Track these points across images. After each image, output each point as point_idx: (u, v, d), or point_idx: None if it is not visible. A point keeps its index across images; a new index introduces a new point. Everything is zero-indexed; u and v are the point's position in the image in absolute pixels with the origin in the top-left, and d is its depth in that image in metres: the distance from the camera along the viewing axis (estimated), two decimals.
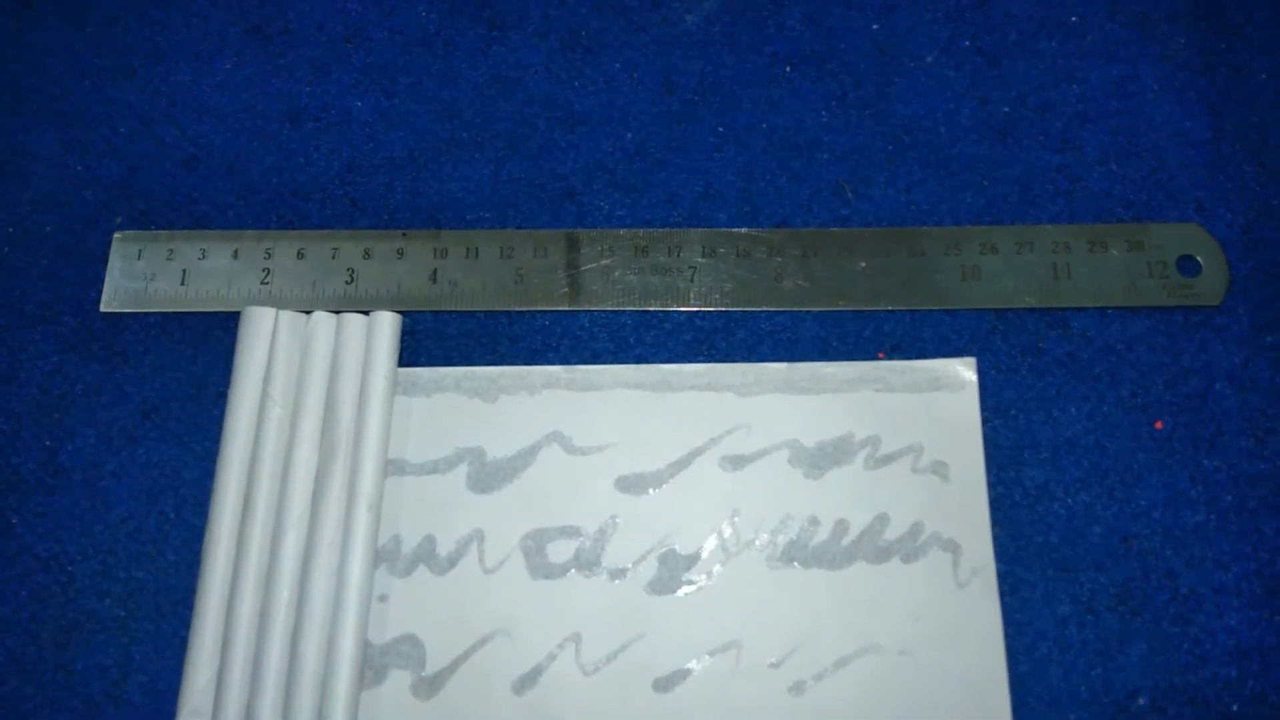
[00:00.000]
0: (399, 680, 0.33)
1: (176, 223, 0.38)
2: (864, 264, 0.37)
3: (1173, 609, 0.33)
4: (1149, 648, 0.33)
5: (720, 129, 0.39)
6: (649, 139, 0.39)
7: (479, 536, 0.34)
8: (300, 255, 0.37)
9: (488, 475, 0.35)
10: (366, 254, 0.37)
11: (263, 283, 0.37)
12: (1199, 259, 0.36)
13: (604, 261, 0.37)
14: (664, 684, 0.33)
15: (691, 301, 0.36)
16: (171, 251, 0.37)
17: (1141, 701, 0.32)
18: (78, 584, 0.34)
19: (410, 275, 0.37)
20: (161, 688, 0.33)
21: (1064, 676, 0.32)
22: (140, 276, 0.37)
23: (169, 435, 0.36)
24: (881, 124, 0.39)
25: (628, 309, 0.37)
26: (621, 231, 0.37)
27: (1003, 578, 0.33)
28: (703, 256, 0.37)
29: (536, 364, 0.36)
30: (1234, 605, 0.33)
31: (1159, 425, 0.35)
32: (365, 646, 0.32)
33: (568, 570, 0.34)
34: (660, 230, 0.37)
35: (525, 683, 0.33)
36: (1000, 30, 0.40)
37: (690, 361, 0.36)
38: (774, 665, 0.33)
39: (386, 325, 0.35)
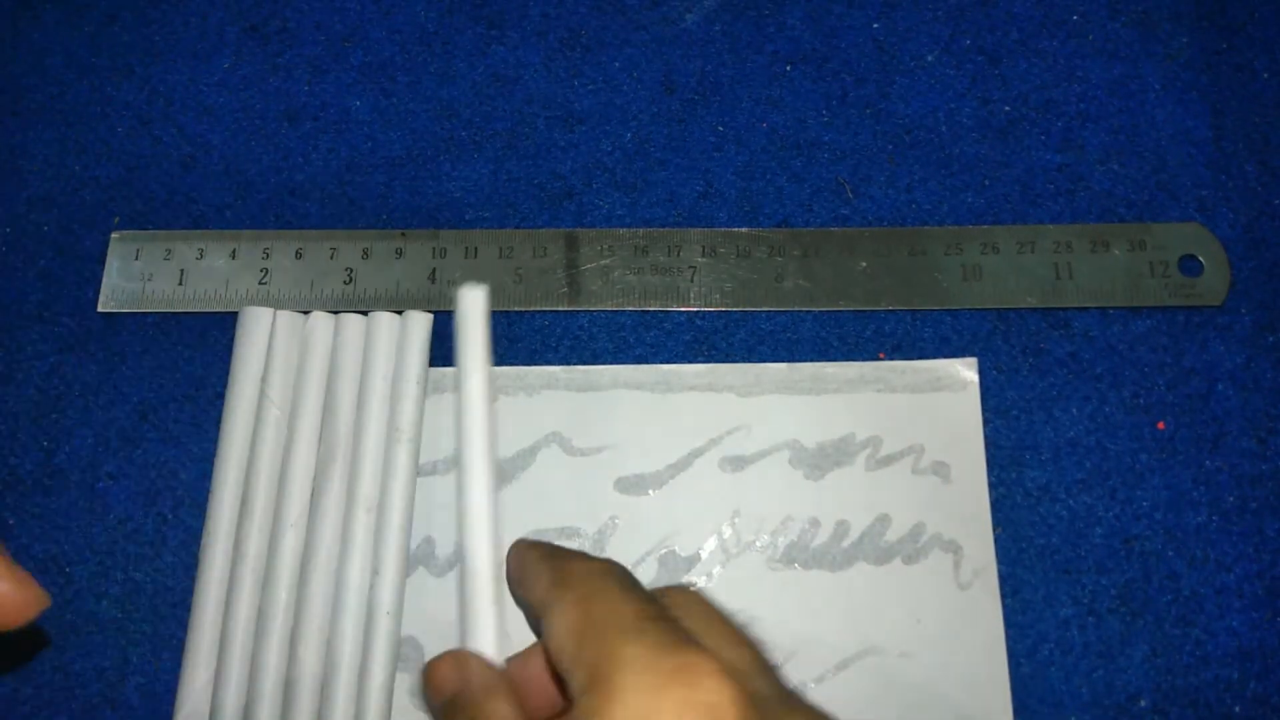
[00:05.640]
0: (398, 683, 0.32)
1: (174, 222, 0.38)
2: (865, 264, 0.36)
3: (1175, 610, 0.33)
4: (1151, 649, 0.33)
5: (720, 128, 0.39)
6: (649, 138, 0.39)
7: None
8: (298, 255, 0.37)
9: None
10: (365, 254, 0.37)
11: (261, 283, 0.37)
12: (1201, 259, 0.36)
13: (603, 261, 0.37)
14: None
15: (691, 301, 0.36)
16: (169, 251, 0.37)
17: (1143, 703, 0.32)
18: (75, 585, 0.34)
19: (409, 275, 0.37)
20: (159, 689, 0.33)
21: (1065, 678, 0.32)
22: (138, 276, 0.37)
23: (167, 436, 0.35)
24: (882, 123, 0.39)
25: (627, 309, 0.36)
26: (621, 231, 0.37)
27: (1004, 579, 0.33)
28: (703, 256, 0.37)
29: (536, 364, 0.36)
30: (1236, 607, 0.33)
31: (1161, 426, 0.35)
32: (364, 648, 0.32)
33: None
34: (660, 230, 0.37)
35: None
36: (1001, 29, 0.40)
37: (690, 362, 0.36)
38: None
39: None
